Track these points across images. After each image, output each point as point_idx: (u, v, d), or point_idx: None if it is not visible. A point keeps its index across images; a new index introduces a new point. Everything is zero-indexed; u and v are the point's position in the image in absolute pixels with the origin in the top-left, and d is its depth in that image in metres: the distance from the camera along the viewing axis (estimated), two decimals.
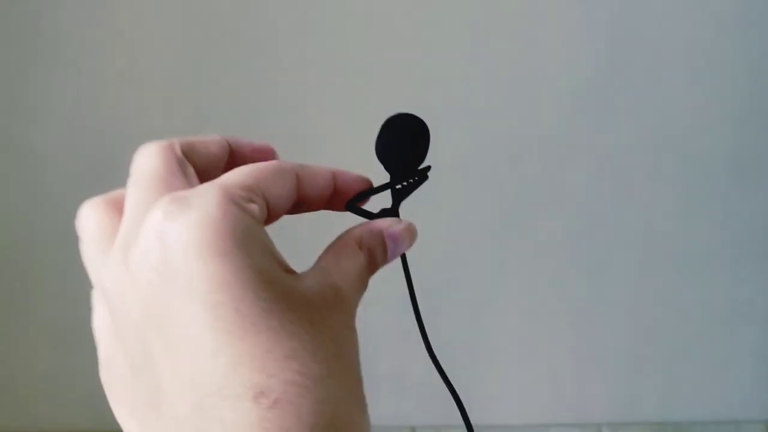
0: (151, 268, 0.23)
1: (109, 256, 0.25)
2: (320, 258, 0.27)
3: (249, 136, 0.30)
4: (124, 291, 0.24)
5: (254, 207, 0.24)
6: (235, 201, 0.23)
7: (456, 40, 1.07)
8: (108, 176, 1.09)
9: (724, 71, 1.09)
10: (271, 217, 0.26)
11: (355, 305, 0.26)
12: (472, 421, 0.33)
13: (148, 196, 0.25)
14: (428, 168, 0.32)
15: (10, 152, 1.08)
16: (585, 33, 1.07)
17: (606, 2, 1.06)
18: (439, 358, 0.33)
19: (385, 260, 0.29)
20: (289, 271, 0.25)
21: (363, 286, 0.27)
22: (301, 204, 0.29)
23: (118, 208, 0.27)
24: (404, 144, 0.32)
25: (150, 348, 0.23)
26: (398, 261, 0.32)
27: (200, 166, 0.28)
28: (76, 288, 1.13)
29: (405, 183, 0.31)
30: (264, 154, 0.30)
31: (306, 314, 0.23)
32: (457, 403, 0.32)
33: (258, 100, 1.07)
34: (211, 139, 0.29)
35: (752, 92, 1.10)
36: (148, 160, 0.26)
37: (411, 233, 0.30)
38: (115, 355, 0.25)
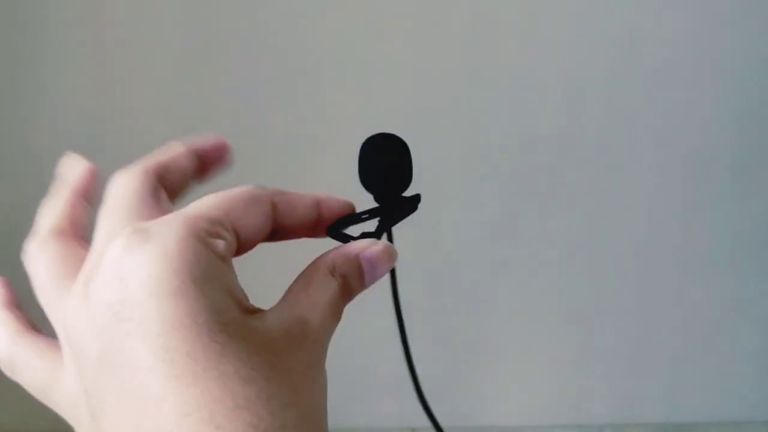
0: (107, 305, 0.21)
1: (70, 292, 0.23)
2: (289, 289, 0.25)
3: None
4: (84, 330, 0.22)
5: (219, 242, 0.23)
6: (198, 235, 0.22)
7: (459, 40, 1.07)
8: (107, 177, 1.09)
9: (727, 73, 1.09)
10: (242, 248, 0.25)
11: (326, 339, 0.24)
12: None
13: (115, 227, 0.23)
14: (418, 198, 0.30)
15: (10, 152, 1.08)
16: (587, 34, 1.07)
17: (609, 4, 1.06)
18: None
19: (363, 286, 0.26)
20: (251, 310, 0.23)
21: (335, 317, 0.25)
22: (279, 232, 0.27)
23: (73, 238, 0.26)
24: (391, 170, 0.30)
25: (104, 393, 0.21)
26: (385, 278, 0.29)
27: (175, 184, 0.27)
28: None
29: (394, 213, 0.29)
30: (220, 149, 0.29)
31: (266, 357, 0.21)
32: None
33: (257, 100, 1.06)
34: (178, 153, 0.27)
35: (754, 94, 1.10)
36: (119, 189, 0.25)
37: (390, 255, 0.27)
38: (79, 402, 0.23)
